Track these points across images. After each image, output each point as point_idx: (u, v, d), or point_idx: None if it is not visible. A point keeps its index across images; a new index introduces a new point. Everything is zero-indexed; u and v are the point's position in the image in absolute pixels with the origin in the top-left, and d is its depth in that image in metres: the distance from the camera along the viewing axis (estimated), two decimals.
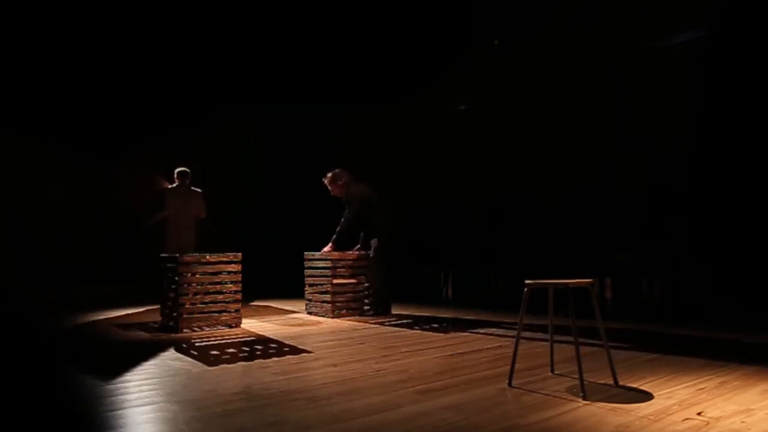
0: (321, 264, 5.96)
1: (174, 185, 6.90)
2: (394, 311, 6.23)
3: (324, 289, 5.90)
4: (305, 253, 6.19)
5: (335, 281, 5.86)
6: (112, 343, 4.37)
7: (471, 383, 2.95)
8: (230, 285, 5.24)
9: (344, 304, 5.91)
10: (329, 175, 6.23)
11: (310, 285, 6.08)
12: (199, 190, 7.04)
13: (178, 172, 6.88)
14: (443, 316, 6.05)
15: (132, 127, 8.55)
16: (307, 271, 6.13)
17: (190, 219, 6.86)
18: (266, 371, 3.29)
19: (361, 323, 5.43)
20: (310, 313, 6.04)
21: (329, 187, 6.26)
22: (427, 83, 7.66)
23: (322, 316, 5.85)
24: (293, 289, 8.44)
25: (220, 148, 8.95)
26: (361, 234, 6.27)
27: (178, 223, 6.76)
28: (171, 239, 6.76)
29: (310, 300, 6.10)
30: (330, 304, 5.79)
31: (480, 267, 7.34)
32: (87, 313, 6.31)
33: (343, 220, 6.11)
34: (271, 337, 4.61)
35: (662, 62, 5.71)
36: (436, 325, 5.26)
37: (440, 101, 7.67)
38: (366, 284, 6.05)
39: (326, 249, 6.06)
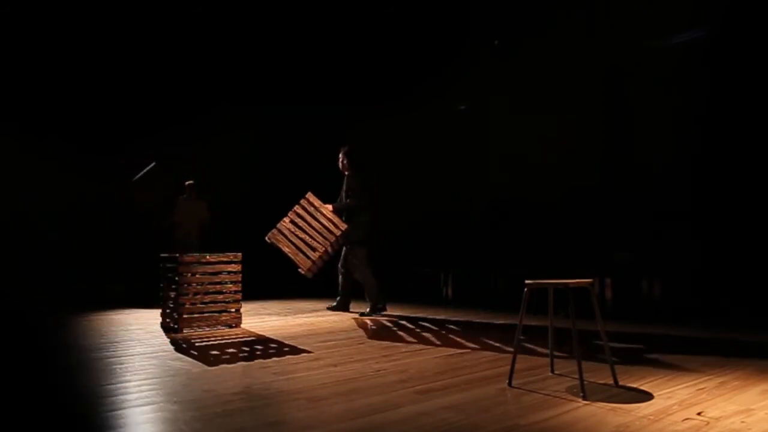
0: (326, 223, 5.76)
1: (184, 195, 7.81)
2: (395, 311, 6.23)
3: (312, 244, 5.73)
4: (311, 194, 5.90)
5: (330, 249, 5.81)
6: (112, 342, 4.37)
7: (471, 383, 2.95)
8: (230, 285, 5.24)
9: (318, 268, 5.82)
10: (347, 148, 6.25)
11: (293, 222, 5.78)
12: (204, 201, 7.89)
13: (188, 185, 7.83)
14: (443, 316, 6.05)
15: (132, 127, 8.55)
16: (299, 211, 5.83)
17: (195, 223, 7.78)
18: (266, 371, 3.29)
19: (360, 323, 5.44)
20: (268, 239, 5.74)
21: (341, 158, 6.25)
22: (427, 83, 7.66)
23: (290, 256, 5.67)
24: (293, 289, 8.45)
25: (220, 148, 8.96)
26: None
27: (186, 226, 7.73)
28: (178, 239, 7.69)
29: (281, 232, 5.78)
30: (311, 262, 5.66)
31: (480, 267, 7.34)
32: (87, 313, 6.32)
33: (348, 201, 6.03)
34: (271, 337, 4.61)
35: (662, 62, 5.71)
36: (436, 326, 5.26)
37: (440, 101, 7.67)
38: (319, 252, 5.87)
39: (330, 207, 5.92)
